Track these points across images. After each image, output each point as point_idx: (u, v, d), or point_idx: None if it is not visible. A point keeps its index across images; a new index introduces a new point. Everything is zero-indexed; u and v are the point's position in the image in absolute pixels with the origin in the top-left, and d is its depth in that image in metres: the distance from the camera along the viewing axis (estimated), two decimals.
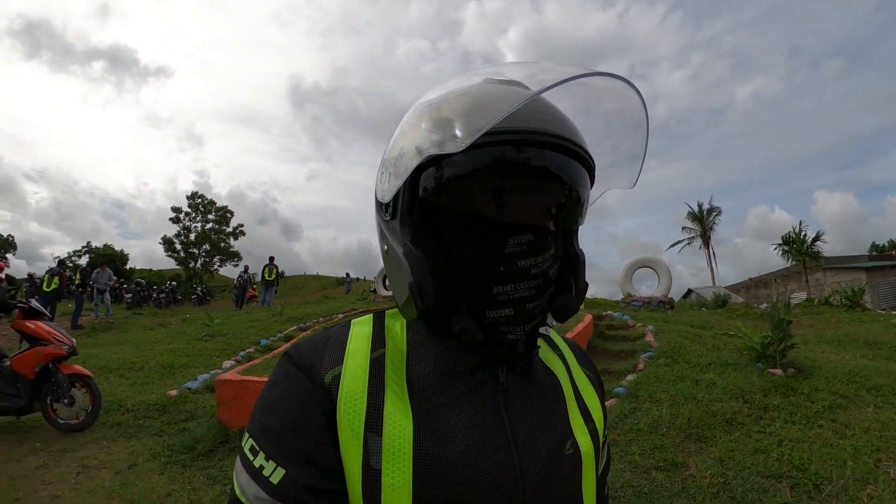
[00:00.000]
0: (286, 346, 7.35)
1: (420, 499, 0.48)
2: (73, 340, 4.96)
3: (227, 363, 6.96)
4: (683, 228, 41.74)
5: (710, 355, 5.80)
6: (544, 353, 0.66)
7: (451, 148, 0.47)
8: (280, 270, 18.08)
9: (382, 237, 0.60)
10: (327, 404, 0.51)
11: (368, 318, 0.61)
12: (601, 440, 0.64)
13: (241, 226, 44.27)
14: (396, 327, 0.59)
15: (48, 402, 4.63)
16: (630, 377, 5.19)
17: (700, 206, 40.50)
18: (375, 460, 0.49)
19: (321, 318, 10.26)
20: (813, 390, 4.69)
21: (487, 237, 0.51)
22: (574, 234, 0.60)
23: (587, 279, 0.60)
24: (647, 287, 12.68)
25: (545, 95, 0.52)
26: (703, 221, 39.65)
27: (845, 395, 4.70)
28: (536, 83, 0.50)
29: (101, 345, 9.53)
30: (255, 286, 19.61)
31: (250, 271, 20.15)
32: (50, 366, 4.63)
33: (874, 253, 32.51)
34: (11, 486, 3.61)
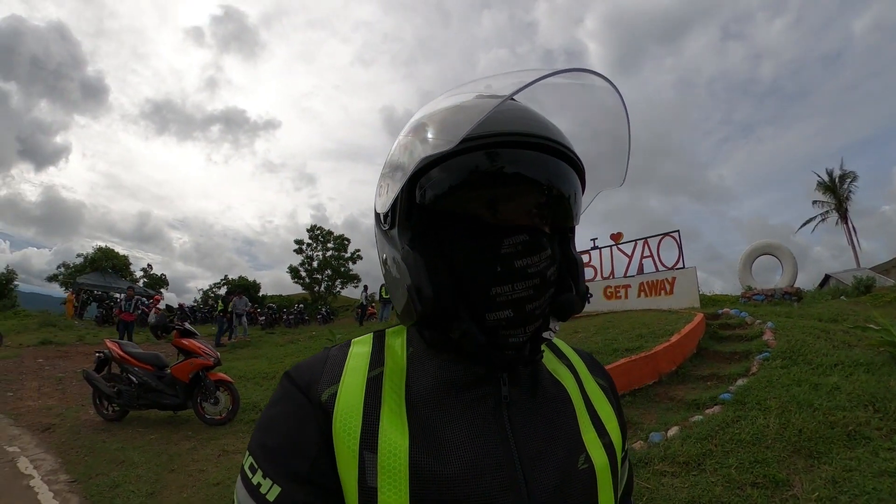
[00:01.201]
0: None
1: None
2: (218, 354, 6.08)
3: None
4: (815, 203, 34.66)
5: (837, 354, 5.04)
6: (552, 363, 0.65)
7: (441, 148, 0.49)
8: None
9: (381, 248, 0.61)
10: (324, 423, 0.52)
11: (369, 337, 0.62)
12: (619, 455, 0.61)
13: (359, 251, 47.33)
14: (397, 345, 0.59)
15: (198, 401, 5.78)
16: (740, 382, 4.67)
17: (830, 174, 33.50)
18: (371, 478, 0.48)
19: None
20: None
21: (483, 238, 0.52)
22: (570, 238, 0.60)
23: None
24: (773, 277, 11.29)
25: (533, 105, 0.56)
26: (836, 191, 32.82)
27: None
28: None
29: (240, 359, 10.93)
30: (374, 304, 21.06)
31: (369, 291, 21.82)
32: (200, 373, 5.75)
33: None
34: (169, 460, 4.62)
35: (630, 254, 11.89)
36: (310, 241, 46.80)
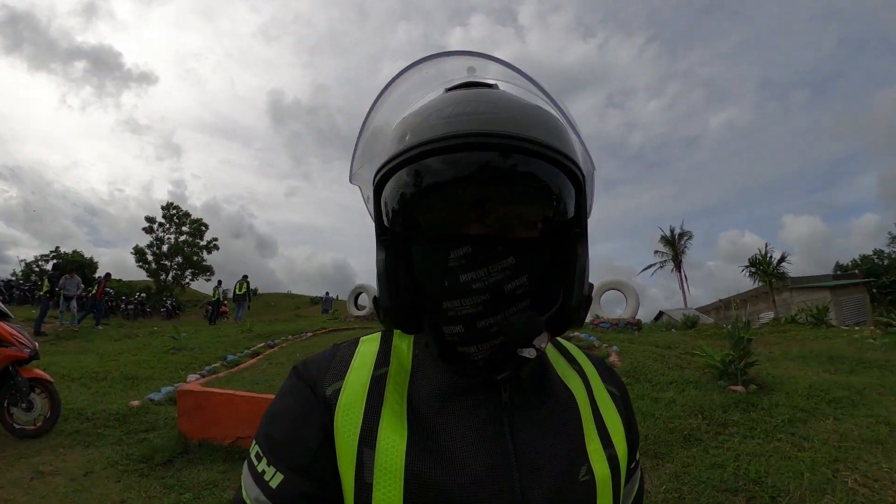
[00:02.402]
0: (252, 361, 7.51)
1: None
2: (36, 344, 4.81)
3: (191, 377, 6.79)
4: (656, 252, 42.59)
5: (672, 374, 5.90)
6: (562, 367, 0.63)
7: (376, 169, 0.53)
8: (252, 287, 17.86)
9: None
10: (326, 417, 0.53)
11: (377, 335, 0.62)
12: (623, 468, 0.58)
13: (216, 240, 43.22)
14: (403, 346, 0.59)
15: (5, 405, 4.48)
16: None
17: (672, 231, 41.48)
18: (368, 475, 0.49)
19: (290, 336, 10.11)
20: (773, 405, 4.79)
21: (432, 252, 0.51)
22: (577, 237, 0.54)
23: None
24: (617, 309, 12.92)
25: (515, 92, 0.54)
26: (675, 245, 40.56)
27: (805, 408, 4.81)
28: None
29: (64, 353, 9.17)
30: (226, 303, 19.21)
31: (223, 286, 19.70)
32: (10, 368, 4.48)
33: (838, 272, 33.62)
34: None
35: None
36: (163, 221, 41.50)
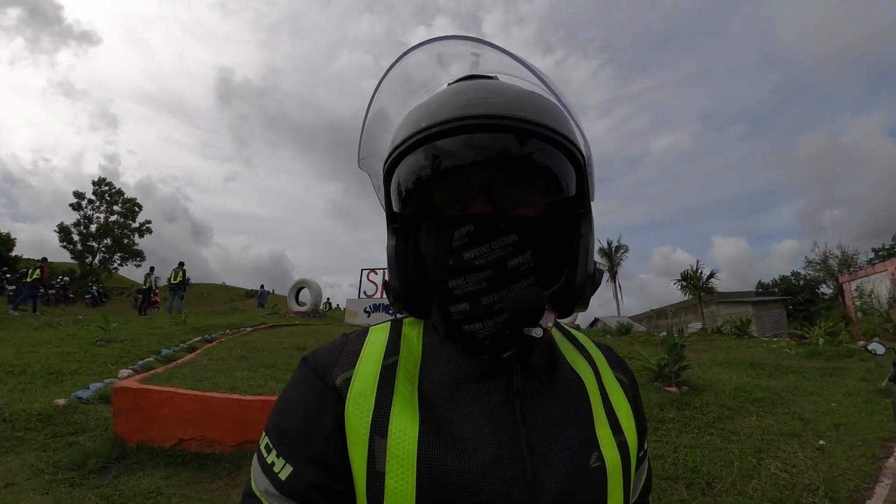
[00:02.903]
0: (190, 356, 7.09)
1: None
2: None
3: (123, 372, 6.34)
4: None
5: None
6: (571, 355, 0.63)
7: (384, 160, 0.55)
8: (187, 276, 16.85)
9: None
10: (337, 407, 0.52)
11: (386, 325, 0.62)
12: (633, 454, 0.58)
13: (149, 222, 40.39)
14: (413, 334, 0.60)
15: None
16: None
17: (610, 244, 43.69)
18: (380, 464, 0.49)
19: (228, 331, 9.66)
20: (704, 404, 5.29)
21: (438, 233, 0.53)
22: (581, 216, 0.55)
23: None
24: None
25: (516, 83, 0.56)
26: (611, 257, 42.66)
27: (732, 407, 5.38)
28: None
29: None
30: (157, 291, 18.01)
31: (156, 274, 18.40)
32: None
33: (760, 290, 36.88)
34: None
35: None
36: (92, 198, 38.15)
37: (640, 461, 0.63)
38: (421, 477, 0.47)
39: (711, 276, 27.86)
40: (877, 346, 9.36)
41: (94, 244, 37.60)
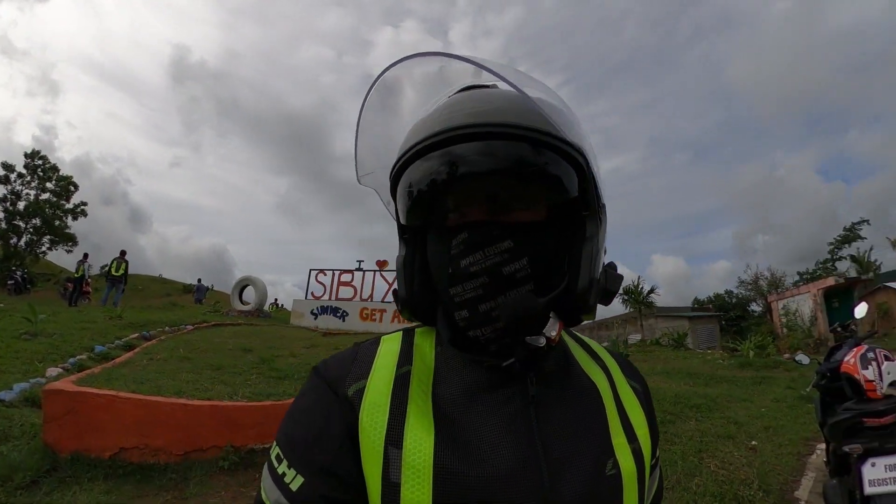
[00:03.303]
0: (128, 355, 6.65)
1: None
2: None
3: (51, 370, 5.83)
4: None
5: None
6: (585, 363, 0.63)
7: (386, 172, 0.58)
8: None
9: None
10: (350, 417, 0.52)
11: (398, 334, 0.62)
12: (647, 462, 0.58)
13: (84, 204, 36.99)
14: (425, 344, 0.59)
15: None
16: None
17: None
18: (395, 474, 0.48)
19: (167, 328, 9.18)
20: None
21: (439, 241, 0.54)
22: (586, 220, 0.54)
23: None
24: None
25: (501, 85, 0.53)
26: None
27: (673, 412, 5.86)
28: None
29: None
30: (89, 281, 16.69)
31: (89, 261, 16.79)
32: None
33: (696, 306, 39.27)
34: None
35: (391, 282, 13.13)
36: (23, 172, 34.34)
37: (652, 468, 0.62)
38: (437, 487, 0.47)
39: (651, 291, 29.47)
40: (802, 357, 11.19)
41: (20, 224, 34.11)
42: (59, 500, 3.19)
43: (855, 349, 2.66)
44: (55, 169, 36.13)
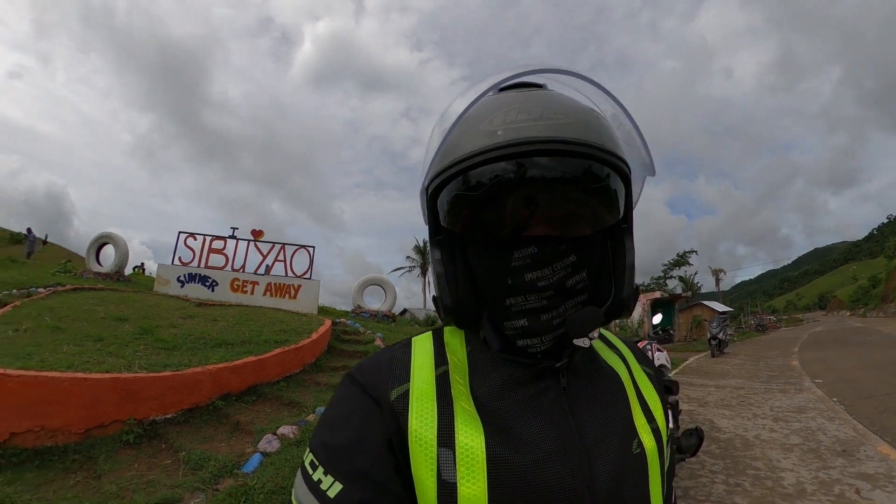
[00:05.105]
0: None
1: None
2: None
3: None
4: (408, 257, 49.34)
5: None
6: (604, 352, 0.67)
7: (433, 174, 0.54)
8: None
9: (430, 255, 0.62)
10: (391, 422, 0.53)
11: (428, 335, 0.64)
12: (665, 438, 0.62)
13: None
14: (456, 343, 0.61)
15: None
16: None
17: (425, 241, 47.20)
18: (449, 474, 0.50)
19: (15, 291, 8.18)
20: None
21: (495, 252, 0.53)
22: (624, 232, 0.58)
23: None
24: (375, 302, 14.72)
25: (559, 89, 0.55)
26: (424, 254, 45.91)
27: None
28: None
29: None
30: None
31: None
32: None
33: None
34: None
35: (265, 253, 13.17)
36: None
37: (667, 443, 0.67)
38: (492, 479, 0.49)
39: None
40: None
41: None
42: None
43: (640, 343, 4.27)
44: None
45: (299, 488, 0.54)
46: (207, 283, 12.50)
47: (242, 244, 13.10)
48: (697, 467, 4.63)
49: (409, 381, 0.56)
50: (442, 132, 0.52)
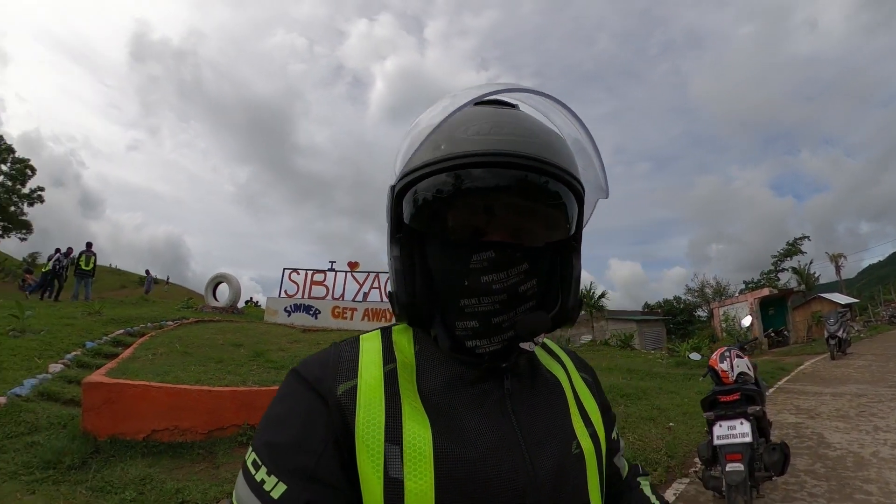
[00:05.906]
0: (128, 351, 7.23)
1: (442, 500, 0.49)
2: None
3: (54, 367, 6.09)
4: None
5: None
6: (545, 359, 0.69)
7: (404, 172, 0.56)
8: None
9: (388, 252, 0.62)
10: (337, 419, 0.52)
11: (377, 332, 0.64)
12: (602, 443, 0.65)
13: (42, 189, 34.80)
14: (404, 341, 0.62)
15: None
16: None
17: None
18: (396, 470, 0.50)
19: (149, 324, 9.60)
20: None
21: (454, 253, 0.55)
22: (574, 248, 0.61)
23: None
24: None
25: (529, 111, 0.59)
26: None
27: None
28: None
29: None
30: (66, 276, 16.14)
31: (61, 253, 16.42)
32: None
33: (645, 309, 41.86)
34: None
35: (361, 282, 14.14)
36: None
37: (616, 450, 0.72)
38: (438, 474, 0.50)
39: (603, 295, 31.47)
40: (695, 355, 12.89)
41: None
42: (112, 475, 3.75)
43: (718, 350, 3.99)
44: (10, 150, 33.44)
45: (241, 489, 0.52)
46: (311, 312, 13.71)
47: (340, 275, 14.26)
48: (795, 488, 4.10)
49: (356, 378, 0.56)
50: (414, 137, 0.54)
